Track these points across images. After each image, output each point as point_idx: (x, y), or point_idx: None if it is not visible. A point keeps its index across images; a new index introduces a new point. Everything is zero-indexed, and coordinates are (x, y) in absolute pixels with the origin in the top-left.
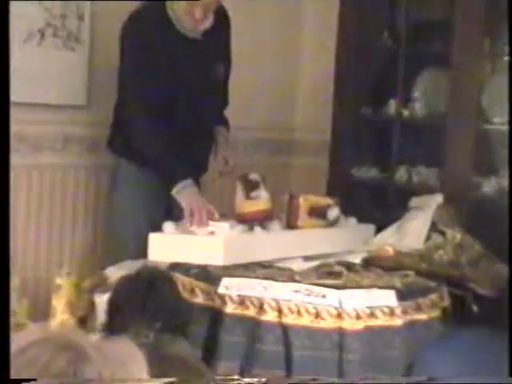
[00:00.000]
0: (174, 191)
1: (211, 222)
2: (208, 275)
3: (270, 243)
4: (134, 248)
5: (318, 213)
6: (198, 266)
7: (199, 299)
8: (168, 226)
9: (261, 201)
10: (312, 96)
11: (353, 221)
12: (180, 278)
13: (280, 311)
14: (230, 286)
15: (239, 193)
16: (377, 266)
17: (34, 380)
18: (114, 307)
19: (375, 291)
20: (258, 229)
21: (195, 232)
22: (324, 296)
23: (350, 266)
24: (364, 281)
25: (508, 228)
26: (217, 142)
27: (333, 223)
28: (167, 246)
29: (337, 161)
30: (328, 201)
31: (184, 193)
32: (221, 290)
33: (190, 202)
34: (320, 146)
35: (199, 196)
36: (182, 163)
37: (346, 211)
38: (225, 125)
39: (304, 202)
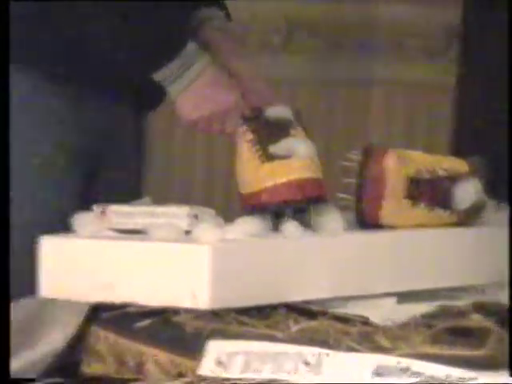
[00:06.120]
0: None
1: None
2: (175, 333)
3: (319, 260)
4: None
5: (431, 193)
6: (150, 313)
7: None
8: (84, 218)
9: (295, 162)
10: None
11: None
12: (112, 340)
13: None
14: (225, 360)
15: (246, 149)
16: None
17: (34, 380)
18: None
19: None
20: (289, 227)
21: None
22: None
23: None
24: None
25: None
26: None
27: (468, 217)
28: (80, 267)
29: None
30: (456, 164)
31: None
32: (205, 369)
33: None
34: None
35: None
36: None
37: (497, 190)
38: None
39: (399, 164)
